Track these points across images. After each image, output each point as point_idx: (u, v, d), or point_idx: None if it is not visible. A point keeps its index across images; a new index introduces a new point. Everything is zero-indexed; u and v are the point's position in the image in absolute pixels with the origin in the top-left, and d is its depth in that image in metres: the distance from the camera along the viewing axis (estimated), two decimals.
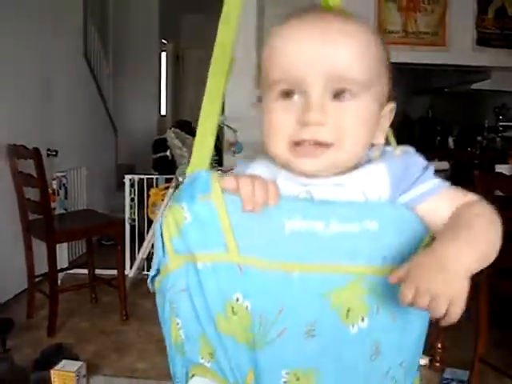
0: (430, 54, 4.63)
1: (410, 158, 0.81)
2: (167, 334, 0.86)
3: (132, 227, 4.60)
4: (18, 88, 3.87)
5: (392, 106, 0.85)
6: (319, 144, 0.74)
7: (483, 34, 4.58)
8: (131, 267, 4.40)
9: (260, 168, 0.83)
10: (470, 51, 4.62)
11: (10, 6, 3.72)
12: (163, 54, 8.66)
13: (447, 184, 0.82)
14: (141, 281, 4.43)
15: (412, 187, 0.78)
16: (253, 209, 0.74)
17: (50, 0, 4.30)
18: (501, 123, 5.15)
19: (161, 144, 5.16)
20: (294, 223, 0.74)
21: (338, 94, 0.74)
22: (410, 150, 0.84)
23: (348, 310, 0.74)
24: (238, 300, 0.75)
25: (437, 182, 0.81)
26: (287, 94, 0.76)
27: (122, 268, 3.69)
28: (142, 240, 4.48)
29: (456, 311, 0.67)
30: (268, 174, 0.80)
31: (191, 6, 8.28)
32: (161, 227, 0.80)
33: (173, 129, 4.29)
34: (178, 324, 0.82)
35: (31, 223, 3.55)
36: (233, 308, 0.75)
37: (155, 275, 0.86)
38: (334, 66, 0.73)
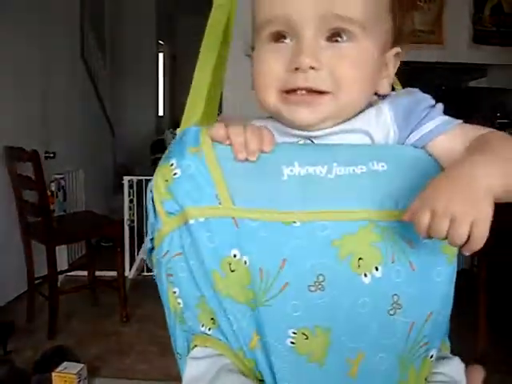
0: (426, 53, 4.62)
1: (415, 96, 0.76)
2: (166, 307, 0.80)
3: (131, 228, 4.61)
4: (15, 90, 3.87)
5: (397, 49, 0.79)
6: (314, 92, 0.68)
7: (480, 31, 4.58)
8: (131, 268, 4.40)
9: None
10: (467, 49, 4.62)
11: (8, 7, 3.71)
12: (160, 55, 8.66)
13: (460, 121, 0.74)
14: (141, 282, 4.44)
15: (421, 125, 0.72)
16: (246, 157, 0.69)
17: (47, 1, 4.29)
18: (498, 121, 5.14)
19: (159, 145, 5.17)
20: (293, 169, 0.68)
21: (334, 35, 0.67)
22: (415, 90, 0.78)
23: (359, 259, 0.67)
24: (235, 256, 0.68)
25: (447, 118, 0.74)
26: (278, 37, 0.70)
27: (121, 269, 3.69)
28: (141, 241, 4.48)
29: (480, 235, 0.57)
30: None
31: (188, 7, 8.28)
32: (151, 191, 0.75)
33: (171, 130, 4.30)
34: (175, 293, 0.75)
35: (30, 225, 3.55)
36: (230, 265, 0.68)
37: (151, 249, 0.79)
38: (330, 2, 0.66)
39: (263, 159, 0.69)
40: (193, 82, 0.83)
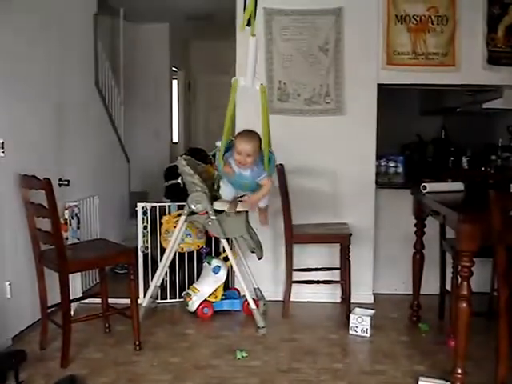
0: (440, 75, 4.60)
1: (257, 169, 3.71)
2: None
3: (145, 255, 4.59)
4: (30, 118, 3.89)
5: (258, 155, 3.54)
6: (246, 162, 3.49)
7: (493, 52, 4.55)
8: (144, 296, 4.37)
9: (232, 160, 3.64)
10: (481, 70, 4.59)
11: (22, 33, 3.75)
12: (174, 82, 8.71)
13: (266, 176, 3.63)
14: (155, 309, 4.40)
15: (257, 177, 3.73)
16: (229, 175, 3.70)
17: (61, 31, 4.34)
18: None
19: (172, 171, 5.15)
20: (238, 179, 3.67)
21: (248, 155, 3.46)
22: (261, 167, 3.63)
23: None
24: None
25: (263, 176, 3.68)
26: (239, 153, 3.44)
27: (135, 297, 3.65)
28: (155, 268, 4.46)
29: None
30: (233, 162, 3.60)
31: (201, 33, 8.36)
32: None
33: (184, 156, 4.29)
34: None
35: (43, 253, 3.54)
36: None
37: None
38: (248, 150, 3.45)
39: (232, 176, 3.69)
40: (226, 117, 3.52)
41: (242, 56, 4.48)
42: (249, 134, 3.52)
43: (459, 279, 3.00)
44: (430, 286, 4.29)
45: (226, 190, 3.85)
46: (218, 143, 4.33)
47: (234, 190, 3.82)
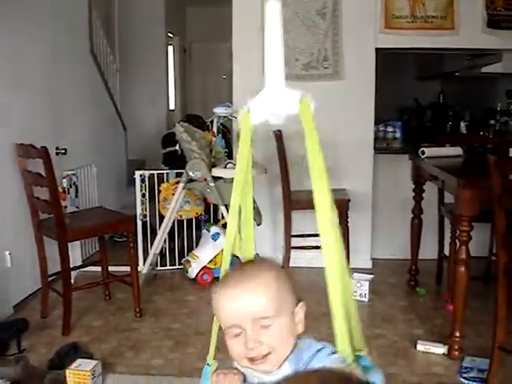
0: (439, 39, 4.55)
1: (308, 348, 1.20)
2: None
3: (144, 223, 4.60)
4: (25, 87, 3.86)
5: (301, 304, 1.25)
6: (263, 355, 1.15)
7: (493, 15, 4.49)
8: (144, 263, 4.39)
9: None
10: (480, 34, 4.53)
11: (16, 4, 3.70)
12: (170, 48, 8.62)
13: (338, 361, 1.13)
14: (154, 277, 4.43)
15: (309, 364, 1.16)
16: None
17: None
18: None
19: (170, 138, 5.13)
20: None
21: (263, 327, 1.14)
22: (312, 345, 1.21)
23: None
24: None
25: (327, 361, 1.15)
26: (236, 336, 1.16)
27: (134, 265, 3.67)
28: (154, 235, 4.47)
29: None
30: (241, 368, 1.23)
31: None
32: None
33: (181, 123, 4.27)
34: None
35: (42, 222, 3.54)
36: None
37: None
38: (254, 315, 1.14)
39: None
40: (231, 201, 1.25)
41: (239, 23, 4.44)
42: (244, 268, 1.27)
43: (458, 244, 3.02)
44: (428, 250, 4.31)
45: None
46: (216, 110, 4.31)
47: None
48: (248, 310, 1.15)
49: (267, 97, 1.20)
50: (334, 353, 1.17)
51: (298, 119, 1.19)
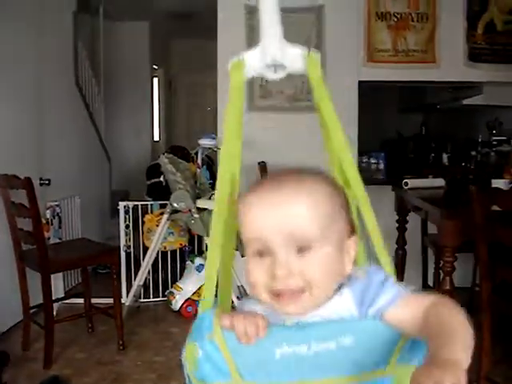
0: (420, 72, 4.63)
1: (370, 277, 0.92)
2: None
3: (128, 254, 4.56)
4: (9, 116, 3.85)
5: (355, 237, 0.96)
6: (294, 291, 0.87)
7: (473, 49, 4.59)
8: (127, 295, 4.35)
9: (254, 304, 0.95)
10: (461, 67, 4.63)
11: (0, 31, 3.72)
12: (155, 80, 8.68)
13: (406, 291, 0.91)
14: (138, 308, 4.38)
15: (375, 301, 0.88)
16: (246, 342, 0.87)
17: (40, 29, 4.30)
18: (494, 138, 5.14)
19: (154, 170, 5.13)
20: (282, 349, 0.87)
21: (300, 251, 0.87)
22: (372, 269, 0.94)
23: None
24: None
25: (395, 291, 0.90)
26: (260, 254, 0.89)
27: (118, 296, 3.64)
28: (138, 267, 4.44)
29: None
30: (260, 309, 0.93)
31: (181, 31, 8.33)
32: (185, 361, 0.93)
33: (166, 154, 4.27)
34: None
35: (25, 253, 3.51)
36: None
37: None
38: (291, 230, 0.86)
39: (260, 342, 0.88)
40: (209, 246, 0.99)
41: (224, 54, 4.49)
42: (290, 172, 0.95)
43: (442, 274, 3.03)
44: (412, 281, 4.29)
45: None
46: (201, 141, 4.33)
47: None
48: (285, 222, 0.86)
49: (265, 48, 1.01)
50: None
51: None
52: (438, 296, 0.90)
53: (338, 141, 1.01)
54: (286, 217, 0.86)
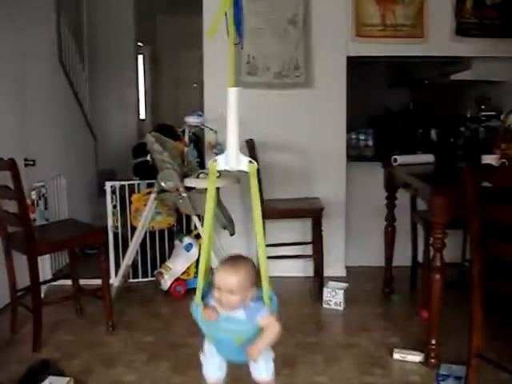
0: (408, 47, 4.59)
1: (254, 306, 2.12)
2: None
3: (115, 234, 4.52)
4: None
5: (254, 288, 2.16)
6: (226, 305, 2.10)
7: (462, 23, 4.54)
8: (116, 275, 4.31)
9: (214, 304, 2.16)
10: (449, 42, 4.58)
11: None
12: (140, 57, 8.56)
13: (266, 313, 2.12)
14: (127, 289, 4.35)
15: (256, 316, 2.10)
16: (210, 319, 2.13)
17: (21, 5, 4.19)
18: (483, 113, 5.12)
19: (141, 149, 5.07)
20: (223, 324, 2.11)
21: (230, 292, 2.06)
22: (256, 304, 2.14)
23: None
24: None
25: (263, 314, 2.11)
26: (219, 290, 2.07)
27: (106, 278, 3.60)
28: (126, 247, 4.40)
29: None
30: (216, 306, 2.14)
31: (166, 8, 8.21)
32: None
33: (152, 133, 4.21)
34: None
35: (11, 236, 3.45)
36: None
37: None
38: (228, 286, 2.06)
39: (216, 321, 2.14)
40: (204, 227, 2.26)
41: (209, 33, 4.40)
42: (234, 261, 2.18)
43: (432, 251, 3.02)
44: (402, 257, 4.30)
45: (208, 362, 2.33)
46: (187, 119, 4.27)
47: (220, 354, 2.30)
48: (226, 284, 2.06)
49: (228, 156, 2.21)
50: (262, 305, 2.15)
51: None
52: (273, 319, 2.12)
53: (257, 214, 2.16)
54: (231, 279, 2.07)
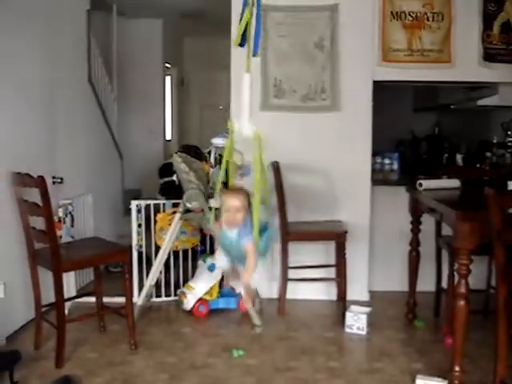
0: (435, 72, 4.60)
1: (244, 229, 2.90)
2: None
3: (139, 253, 4.55)
4: (23, 115, 3.85)
5: (248, 212, 2.92)
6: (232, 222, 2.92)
7: (489, 49, 4.54)
8: (139, 294, 4.33)
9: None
10: (476, 67, 4.58)
11: (14, 34, 3.71)
12: (168, 78, 8.67)
13: (249, 241, 2.86)
14: (149, 308, 4.37)
15: (244, 238, 2.89)
16: (215, 230, 3.37)
17: (53, 26, 4.29)
18: (509, 139, 5.09)
19: (167, 169, 5.12)
20: (224, 237, 3.00)
21: (238, 211, 2.88)
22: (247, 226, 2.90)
23: None
24: None
25: (247, 240, 2.88)
26: (227, 211, 2.90)
27: (130, 296, 3.62)
28: (149, 266, 4.43)
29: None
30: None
31: (195, 30, 8.32)
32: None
33: (179, 153, 4.26)
34: None
35: (37, 252, 3.50)
36: None
37: None
38: (235, 206, 2.89)
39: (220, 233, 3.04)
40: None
41: (237, 55, 4.45)
42: (235, 189, 3.10)
43: (457, 277, 2.99)
44: (426, 283, 4.28)
45: (220, 257, 3.29)
46: (214, 140, 4.31)
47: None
48: (235, 204, 2.84)
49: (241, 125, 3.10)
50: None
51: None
52: (252, 250, 2.85)
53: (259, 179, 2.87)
54: (236, 201, 2.87)
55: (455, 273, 3.08)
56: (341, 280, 4.28)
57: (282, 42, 4.51)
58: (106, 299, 3.89)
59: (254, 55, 3.15)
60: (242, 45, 3.09)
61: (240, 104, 3.20)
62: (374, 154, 4.88)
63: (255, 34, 3.08)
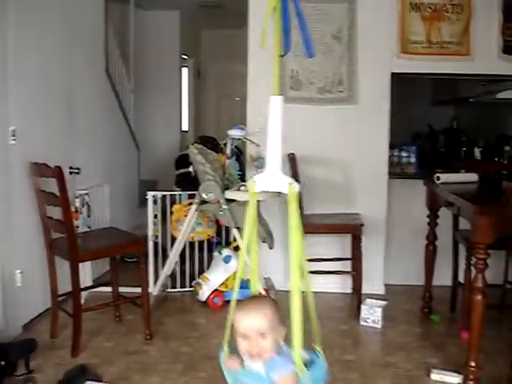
0: (454, 64, 4.55)
1: (277, 358, 1.72)
2: None
3: (155, 244, 4.57)
4: (39, 106, 3.87)
5: (283, 329, 1.79)
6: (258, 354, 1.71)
7: (509, 42, 4.49)
8: (155, 284, 4.35)
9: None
10: (496, 60, 4.53)
11: (33, 24, 3.72)
12: (184, 70, 8.66)
13: (286, 373, 1.69)
14: (165, 298, 4.39)
15: (273, 373, 1.69)
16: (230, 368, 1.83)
17: (71, 17, 4.30)
18: None
19: (183, 160, 5.13)
20: (241, 378, 1.80)
21: (261, 336, 1.70)
22: (283, 354, 1.74)
23: None
24: None
25: (284, 369, 1.69)
26: (245, 338, 1.71)
27: (145, 286, 3.64)
28: (165, 257, 4.45)
29: None
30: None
31: (211, 22, 8.30)
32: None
33: (195, 144, 4.26)
34: None
35: (54, 242, 3.52)
36: None
37: None
38: (257, 329, 1.70)
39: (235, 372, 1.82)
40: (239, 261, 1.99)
41: (255, 45, 4.43)
42: (254, 300, 1.89)
43: (474, 271, 2.96)
44: (442, 277, 4.25)
45: None
46: (230, 132, 4.30)
47: None
48: (254, 327, 1.72)
49: (267, 175, 1.82)
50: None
51: None
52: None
53: (296, 241, 1.80)
54: (258, 321, 1.72)
55: (472, 267, 3.06)
56: (356, 273, 4.27)
57: (299, 33, 4.46)
58: (121, 289, 3.90)
59: (283, 55, 2.11)
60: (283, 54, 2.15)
61: (267, 142, 1.86)
62: (392, 146, 4.84)
63: (285, 33, 2.17)
